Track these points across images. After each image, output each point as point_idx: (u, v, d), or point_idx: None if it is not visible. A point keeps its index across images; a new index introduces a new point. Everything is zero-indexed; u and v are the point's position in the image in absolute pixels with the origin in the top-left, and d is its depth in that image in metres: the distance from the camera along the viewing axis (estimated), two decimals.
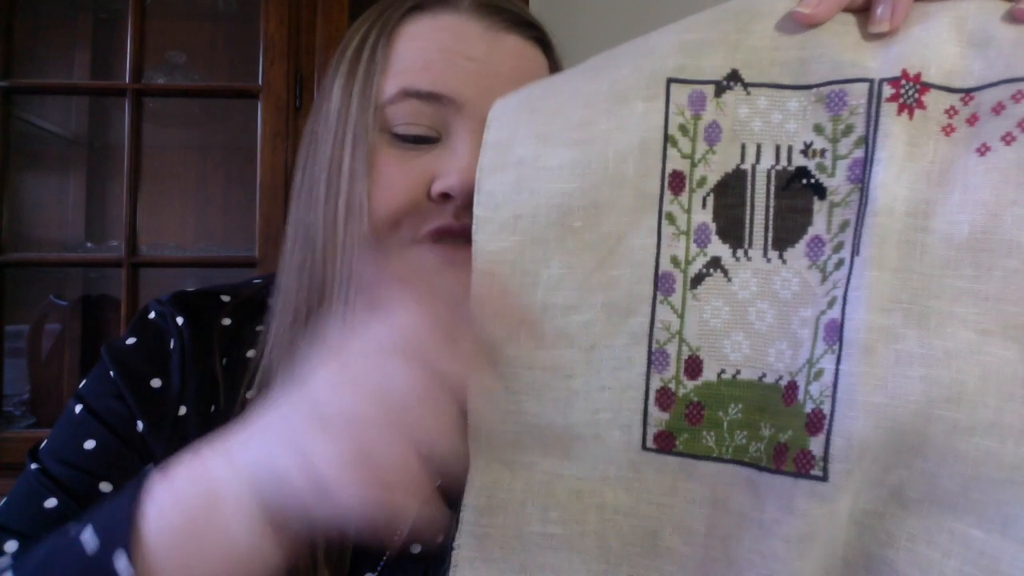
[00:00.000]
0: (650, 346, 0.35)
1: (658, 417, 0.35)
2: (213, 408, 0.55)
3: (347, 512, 0.32)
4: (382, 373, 0.32)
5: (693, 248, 0.36)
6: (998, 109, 0.32)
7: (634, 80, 0.36)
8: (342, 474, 0.31)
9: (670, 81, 0.35)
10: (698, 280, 0.35)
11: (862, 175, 0.33)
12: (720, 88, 0.35)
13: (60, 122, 1.48)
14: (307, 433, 0.32)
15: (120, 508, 0.36)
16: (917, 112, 0.33)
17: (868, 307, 0.32)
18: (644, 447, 0.36)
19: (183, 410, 0.54)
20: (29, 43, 1.39)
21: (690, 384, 0.35)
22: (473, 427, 0.36)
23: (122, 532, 0.35)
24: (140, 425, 0.52)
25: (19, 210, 1.39)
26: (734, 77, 0.35)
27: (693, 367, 0.35)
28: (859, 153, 0.34)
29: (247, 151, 1.29)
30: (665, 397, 0.35)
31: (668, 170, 0.35)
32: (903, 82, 0.33)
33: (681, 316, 0.35)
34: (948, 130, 0.33)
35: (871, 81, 0.33)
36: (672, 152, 0.35)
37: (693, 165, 0.35)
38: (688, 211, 0.36)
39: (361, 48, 0.52)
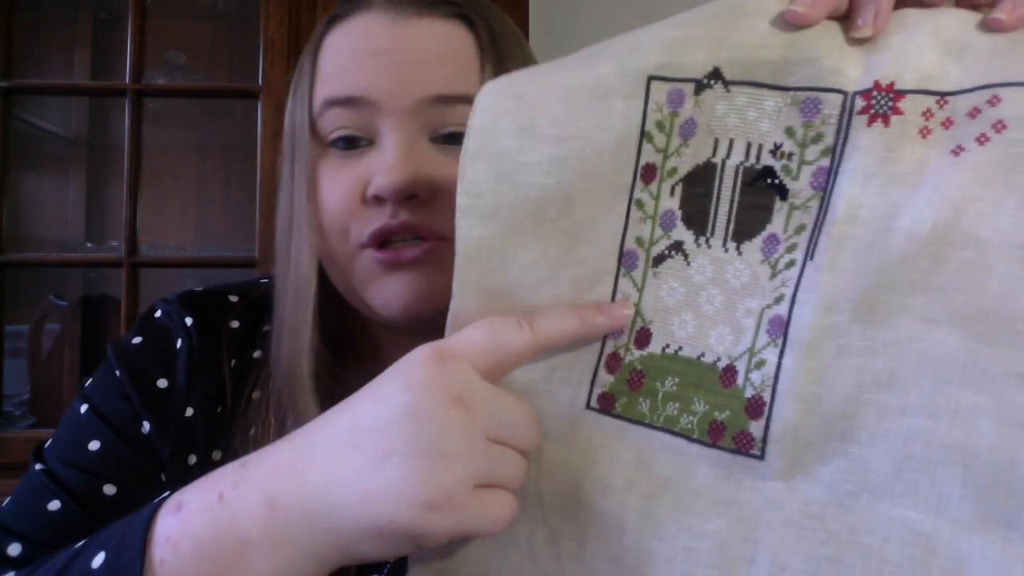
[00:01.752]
0: None
1: (604, 379, 0.39)
2: (220, 409, 0.55)
3: (400, 540, 0.34)
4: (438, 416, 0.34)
5: (658, 231, 0.38)
6: (974, 113, 0.33)
7: (616, 78, 0.37)
8: (404, 503, 0.33)
9: (651, 79, 0.37)
10: (659, 260, 0.38)
11: (825, 184, 0.35)
12: (700, 86, 0.36)
13: (60, 122, 1.48)
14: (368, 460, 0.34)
15: (129, 547, 0.36)
16: (893, 118, 0.34)
17: (816, 309, 0.34)
18: (587, 406, 0.39)
19: (190, 411, 0.54)
20: (29, 43, 1.39)
21: (637, 352, 0.38)
22: None
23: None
24: (146, 426, 0.52)
25: (19, 210, 1.39)
26: (715, 75, 0.36)
27: (642, 338, 0.38)
28: (824, 162, 0.35)
29: (247, 151, 1.29)
30: (614, 361, 0.38)
31: (641, 163, 0.38)
32: (875, 94, 0.34)
33: (640, 290, 0.38)
34: (924, 132, 0.34)
35: (845, 94, 0.34)
36: (647, 147, 0.37)
37: (666, 158, 0.37)
38: (657, 198, 0.38)
39: (300, 66, 0.54)
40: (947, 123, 0.33)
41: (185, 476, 0.53)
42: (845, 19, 0.35)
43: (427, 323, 0.51)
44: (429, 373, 0.35)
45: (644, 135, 0.37)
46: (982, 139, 0.32)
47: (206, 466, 0.53)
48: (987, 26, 0.33)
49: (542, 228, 0.38)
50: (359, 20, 0.52)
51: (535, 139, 0.37)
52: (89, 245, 1.43)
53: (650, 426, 0.38)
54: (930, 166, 0.33)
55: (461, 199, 0.38)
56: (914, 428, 0.32)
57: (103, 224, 1.46)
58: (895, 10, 0.35)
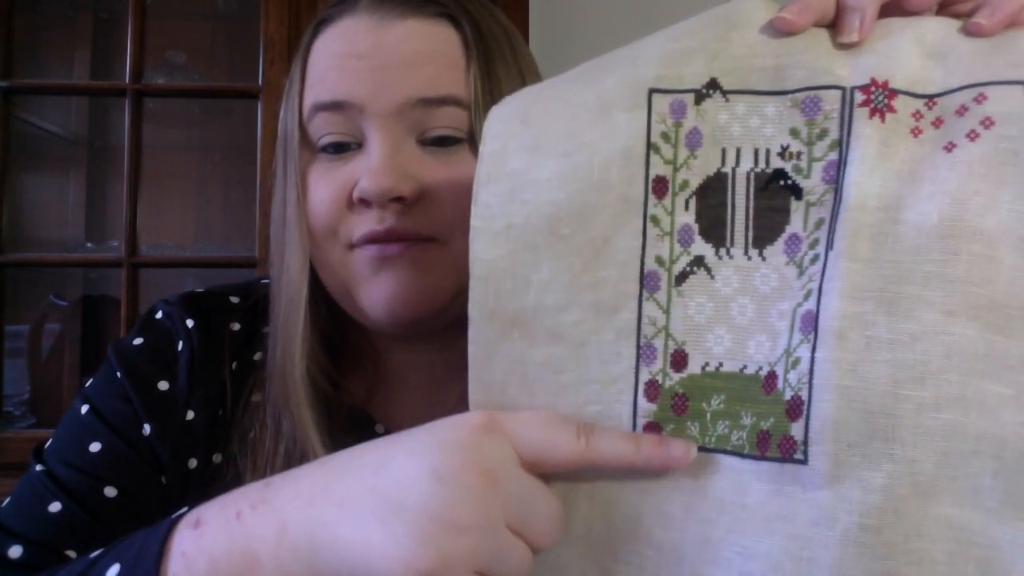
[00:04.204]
0: (638, 341, 0.38)
1: (646, 408, 0.37)
2: (220, 412, 0.55)
3: None
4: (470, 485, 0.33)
5: (677, 248, 0.38)
6: (961, 111, 0.34)
7: (617, 91, 0.38)
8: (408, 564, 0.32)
9: (651, 91, 0.37)
10: (682, 278, 0.37)
11: (836, 176, 0.35)
12: (700, 96, 0.37)
13: (60, 122, 1.48)
14: (377, 518, 0.33)
15: (145, 560, 0.36)
16: (888, 116, 0.35)
17: (841, 296, 0.34)
18: None
19: (190, 414, 0.54)
20: (29, 43, 1.39)
21: (675, 376, 0.37)
22: None
23: None
24: (147, 428, 0.52)
25: (19, 210, 1.40)
26: (713, 85, 0.37)
27: (679, 360, 0.37)
28: (833, 156, 0.36)
29: (247, 151, 1.29)
30: (652, 389, 0.37)
31: (651, 176, 0.37)
32: (873, 89, 0.35)
33: (667, 312, 0.37)
34: (916, 132, 0.35)
35: (843, 88, 0.35)
36: (655, 159, 0.37)
37: (676, 170, 0.37)
38: (671, 213, 0.38)
39: (292, 72, 0.55)
40: (937, 123, 0.35)
41: (185, 479, 0.53)
42: (831, 27, 0.36)
43: (414, 328, 0.51)
44: (469, 439, 0.34)
45: (651, 146, 0.37)
46: (972, 135, 0.34)
47: (206, 469, 0.54)
48: (968, 31, 0.35)
49: (555, 246, 0.37)
50: (344, 24, 0.52)
51: (543, 156, 0.38)
52: (89, 245, 1.43)
53: (702, 448, 0.37)
54: (924, 163, 0.34)
55: (475, 222, 0.38)
56: (949, 423, 0.32)
57: (103, 224, 1.46)
58: (880, 19, 0.36)
